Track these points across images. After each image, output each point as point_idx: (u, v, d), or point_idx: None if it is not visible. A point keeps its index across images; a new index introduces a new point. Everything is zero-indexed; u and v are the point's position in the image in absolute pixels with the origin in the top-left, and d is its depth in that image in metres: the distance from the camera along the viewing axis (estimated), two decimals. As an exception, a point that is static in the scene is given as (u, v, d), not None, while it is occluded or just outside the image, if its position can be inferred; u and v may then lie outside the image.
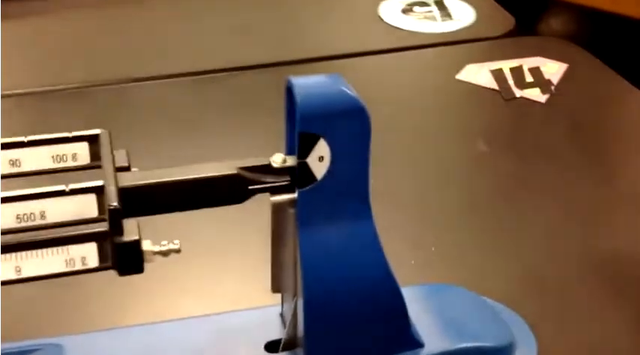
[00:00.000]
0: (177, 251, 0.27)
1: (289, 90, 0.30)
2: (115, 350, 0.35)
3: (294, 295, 0.33)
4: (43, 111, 0.62)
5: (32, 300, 0.41)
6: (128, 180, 0.28)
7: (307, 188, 0.30)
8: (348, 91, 0.29)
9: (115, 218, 0.26)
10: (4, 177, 0.29)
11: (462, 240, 0.47)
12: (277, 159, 0.30)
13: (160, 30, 0.75)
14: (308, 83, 0.29)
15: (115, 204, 0.26)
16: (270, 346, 0.36)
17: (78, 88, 0.65)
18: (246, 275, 0.44)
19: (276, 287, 0.34)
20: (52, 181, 0.29)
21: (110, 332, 0.37)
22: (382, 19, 0.76)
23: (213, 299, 0.43)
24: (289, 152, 0.31)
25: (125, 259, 0.27)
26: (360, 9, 0.79)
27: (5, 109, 0.62)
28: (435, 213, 0.50)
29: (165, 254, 0.27)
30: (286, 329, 0.35)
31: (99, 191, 0.28)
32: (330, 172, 0.30)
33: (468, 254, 0.46)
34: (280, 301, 0.37)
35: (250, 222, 0.46)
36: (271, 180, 0.30)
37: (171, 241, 0.27)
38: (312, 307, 0.31)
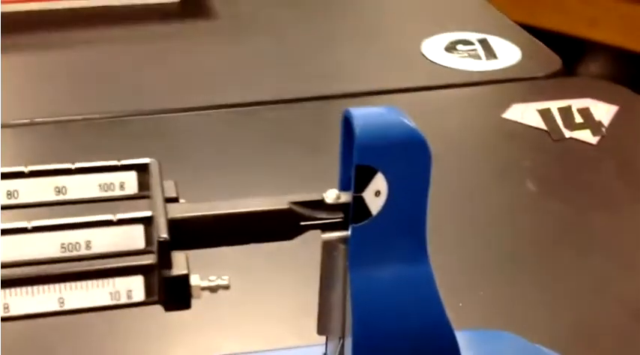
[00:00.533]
0: (226, 287, 0.26)
1: (347, 121, 0.29)
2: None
3: (341, 337, 0.32)
4: (82, 139, 0.62)
5: (63, 330, 0.41)
6: (177, 211, 0.27)
7: (361, 224, 0.29)
8: (409, 123, 0.28)
9: (163, 250, 0.25)
10: (49, 204, 0.29)
11: (509, 285, 0.45)
12: (331, 195, 0.29)
13: (198, 62, 0.75)
14: (367, 114, 0.28)
15: (165, 235, 0.25)
16: (313, 388, 0.34)
17: (117, 116, 0.65)
18: (288, 316, 0.42)
19: (322, 328, 0.32)
20: (97, 211, 0.28)
21: None
22: (425, 56, 0.75)
23: (253, 337, 0.41)
24: (343, 187, 0.30)
25: (172, 294, 0.25)
26: (403, 45, 0.78)
27: (45, 136, 0.62)
28: (480, 256, 0.48)
29: (213, 290, 0.26)
30: (330, 371, 0.33)
31: (147, 222, 0.27)
32: (386, 208, 0.28)
33: (516, 299, 0.44)
34: (324, 341, 0.35)
35: (294, 261, 0.45)
36: (324, 217, 0.29)
37: (219, 277, 0.26)
38: (360, 350, 0.29)
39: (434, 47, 0.77)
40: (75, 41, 0.78)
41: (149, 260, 0.25)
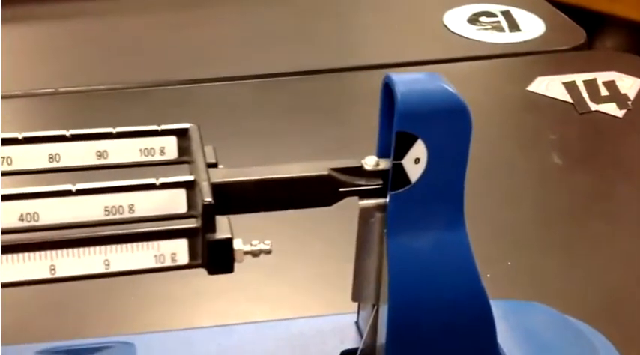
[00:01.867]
0: (268, 252, 0.26)
1: (387, 87, 0.29)
2: (187, 351, 0.34)
3: (375, 304, 0.32)
4: (106, 108, 0.62)
5: (96, 298, 0.41)
6: (220, 176, 0.27)
7: (400, 191, 0.29)
8: (451, 89, 0.28)
9: (208, 214, 0.25)
10: (91, 168, 0.29)
11: (537, 256, 0.46)
12: (370, 162, 0.29)
13: (220, 33, 0.75)
14: (409, 79, 0.28)
15: (210, 199, 0.25)
16: (345, 354, 0.35)
17: (140, 87, 0.65)
18: (319, 283, 0.43)
19: (356, 295, 0.33)
20: (137, 175, 0.28)
21: (181, 333, 0.36)
22: (447, 28, 0.74)
23: (284, 304, 0.42)
24: (381, 154, 0.30)
25: (216, 257, 0.26)
26: (425, 17, 0.77)
27: (69, 105, 0.62)
28: (507, 227, 0.48)
29: (255, 254, 0.26)
30: (364, 338, 0.33)
31: (189, 186, 0.27)
32: (425, 176, 0.28)
33: (544, 270, 0.44)
34: (356, 309, 0.36)
35: (323, 229, 0.45)
36: (362, 183, 0.29)
37: (262, 241, 0.26)
38: (396, 317, 0.30)
39: (456, 19, 0.77)
40: (98, 11, 0.78)
41: (193, 223, 0.26)
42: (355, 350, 0.34)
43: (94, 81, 0.65)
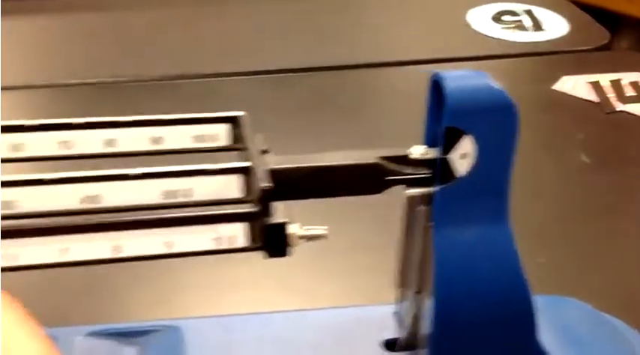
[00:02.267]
0: (324, 237, 0.27)
1: (435, 84, 0.29)
2: (229, 337, 0.35)
3: (418, 291, 0.33)
4: (132, 99, 0.63)
5: (134, 283, 0.42)
6: (274, 163, 0.28)
7: (446, 185, 0.29)
8: (499, 87, 0.29)
9: (265, 199, 0.26)
10: (146, 154, 0.29)
11: (566, 253, 0.46)
12: (417, 151, 0.30)
13: (241, 27, 0.75)
14: (458, 77, 0.29)
15: (268, 184, 0.26)
16: (387, 344, 0.35)
17: (164, 79, 0.66)
18: (354, 274, 0.43)
19: (399, 282, 0.33)
20: (190, 161, 0.29)
21: (224, 319, 0.37)
22: (470, 26, 0.75)
23: (318, 294, 0.42)
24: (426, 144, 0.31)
25: (272, 241, 0.26)
26: (448, 14, 0.78)
27: (95, 96, 0.63)
28: (536, 224, 0.49)
29: (310, 238, 0.27)
30: (406, 327, 0.34)
31: (244, 172, 0.28)
32: (472, 170, 0.29)
33: (573, 267, 0.45)
34: (391, 300, 0.36)
35: (359, 219, 0.46)
36: (409, 172, 0.30)
37: (317, 226, 0.27)
38: (443, 307, 0.30)
39: (480, 17, 0.77)
40: (119, 3, 0.78)
41: (252, 208, 0.26)
42: (396, 339, 0.35)
43: (118, 73, 0.65)
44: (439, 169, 0.29)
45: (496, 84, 0.29)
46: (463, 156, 0.29)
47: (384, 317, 0.36)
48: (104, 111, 0.61)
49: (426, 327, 0.32)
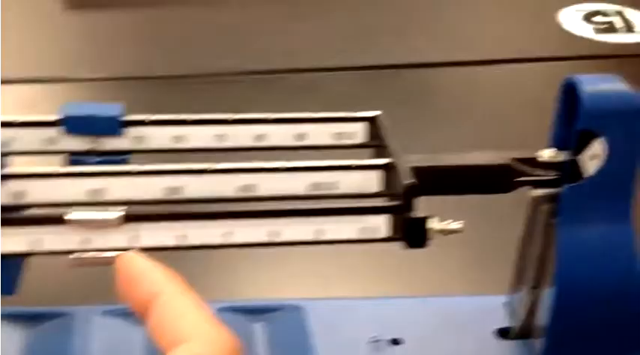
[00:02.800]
0: (460, 231, 0.29)
1: (568, 87, 0.31)
2: (352, 317, 0.37)
3: (534, 286, 0.34)
4: (239, 93, 0.66)
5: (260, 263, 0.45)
6: (414, 160, 0.30)
7: (573, 185, 0.31)
8: (632, 91, 0.30)
9: (409, 194, 0.28)
10: (290, 148, 0.32)
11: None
12: (547, 154, 0.31)
13: (340, 22, 0.77)
14: (592, 81, 0.30)
15: (412, 180, 0.28)
16: (500, 332, 0.37)
17: (267, 73, 0.69)
18: (458, 266, 0.45)
19: (518, 276, 0.35)
20: (328, 156, 0.31)
21: (347, 301, 0.39)
22: (562, 26, 0.75)
23: (422, 284, 0.44)
24: (555, 147, 0.32)
25: (412, 233, 0.28)
26: (539, 13, 0.78)
27: (197, 89, 0.66)
28: None
29: (447, 233, 0.29)
30: (519, 318, 0.36)
31: (385, 168, 0.30)
32: (600, 171, 0.31)
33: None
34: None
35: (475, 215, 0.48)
36: (539, 174, 0.31)
37: (454, 221, 0.29)
38: (562, 301, 0.32)
39: (571, 17, 0.77)
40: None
41: (395, 201, 0.28)
42: (508, 328, 0.37)
43: (222, 66, 0.68)
44: (567, 170, 0.31)
45: (629, 88, 0.30)
46: (593, 158, 0.31)
47: (496, 308, 0.38)
48: (208, 104, 0.65)
49: (541, 319, 0.34)
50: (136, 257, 0.25)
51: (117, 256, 0.25)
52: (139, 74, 0.68)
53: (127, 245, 0.27)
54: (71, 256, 0.27)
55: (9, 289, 0.28)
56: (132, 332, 0.36)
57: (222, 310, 0.37)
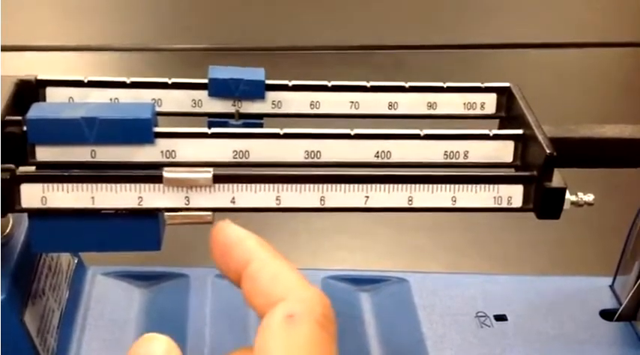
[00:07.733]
0: (591, 204, 0.29)
1: None
2: (456, 291, 0.38)
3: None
4: (334, 68, 0.67)
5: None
6: (550, 132, 0.30)
7: None
8: None
9: (548, 164, 0.28)
10: (423, 117, 0.32)
11: None
12: (683, 131, 0.31)
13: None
14: None
15: (552, 151, 0.28)
16: (603, 313, 0.37)
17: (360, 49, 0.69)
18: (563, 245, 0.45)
19: (625, 262, 0.35)
20: (459, 126, 0.31)
21: (450, 276, 0.40)
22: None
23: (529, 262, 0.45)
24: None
25: (548, 204, 0.28)
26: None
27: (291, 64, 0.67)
28: None
29: (580, 205, 0.29)
30: (625, 300, 0.36)
31: (518, 138, 0.30)
32: None
33: None
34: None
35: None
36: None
37: (586, 193, 0.29)
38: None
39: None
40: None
41: (531, 172, 0.28)
42: (613, 310, 0.37)
43: (317, 41, 0.70)
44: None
45: None
46: None
47: (601, 289, 0.38)
48: (305, 75, 0.66)
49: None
50: (229, 225, 0.25)
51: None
52: (241, 45, 0.70)
53: (268, 205, 0.28)
54: (167, 214, 0.28)
55: (154, 245, 0.30)
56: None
57: (330, 278, 0.38)
